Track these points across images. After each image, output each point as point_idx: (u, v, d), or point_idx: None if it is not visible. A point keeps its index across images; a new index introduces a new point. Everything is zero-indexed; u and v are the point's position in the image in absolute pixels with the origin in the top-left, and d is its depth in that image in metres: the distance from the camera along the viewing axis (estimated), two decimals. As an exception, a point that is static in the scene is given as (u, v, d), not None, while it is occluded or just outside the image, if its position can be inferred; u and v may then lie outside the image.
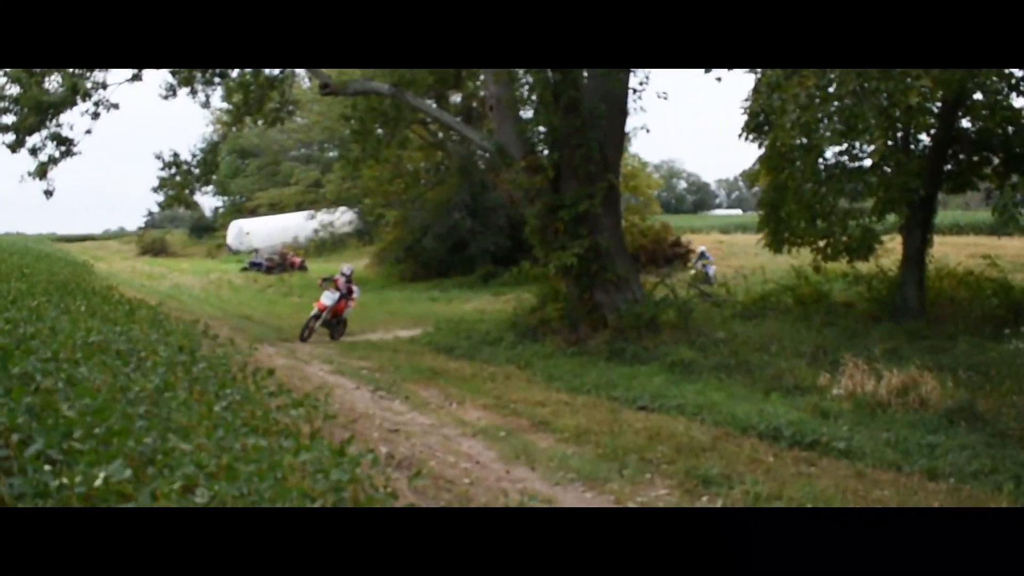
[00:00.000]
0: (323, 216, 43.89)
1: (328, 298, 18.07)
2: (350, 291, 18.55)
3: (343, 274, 18.75)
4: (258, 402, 5.87)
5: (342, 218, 45.35)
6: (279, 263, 39.43)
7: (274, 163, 59.22)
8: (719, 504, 7.48)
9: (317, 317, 18.12)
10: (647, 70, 17.17)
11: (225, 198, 63.47)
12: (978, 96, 16.24)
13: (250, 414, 5.49)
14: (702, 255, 27.16)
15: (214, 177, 23.33)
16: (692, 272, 25.82)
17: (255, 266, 39.41)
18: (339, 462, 4.19)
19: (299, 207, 49.71)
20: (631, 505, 7.42)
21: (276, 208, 53.66)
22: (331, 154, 53.65)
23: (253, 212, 55.61)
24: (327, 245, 47.60)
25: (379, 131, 20.57)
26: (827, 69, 12.29)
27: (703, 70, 13.68)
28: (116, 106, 18.54)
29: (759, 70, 16.08)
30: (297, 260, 39.97)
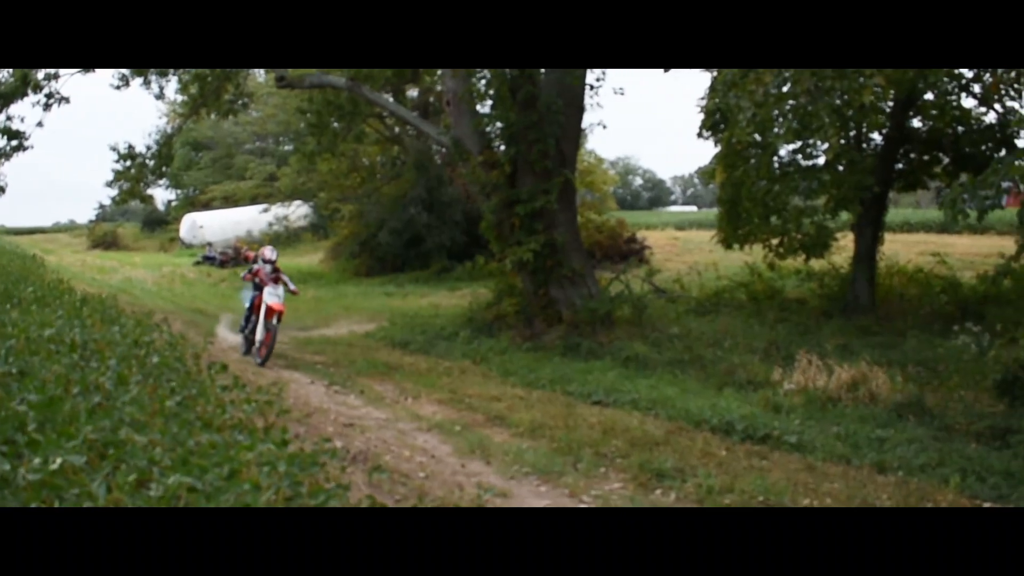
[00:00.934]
0: (278, 210, 43.48)
1: (274, 296, 14.09)
2: (277, 280, 14.44)
3: (267, 260, 14.58)
4: (212, 397, 5.84)
5: (297, 212, 45.00)
6: (233, 257, 39.14)
7: (228, 156, 58.73)
8: (672, 498, 7.56)
9: (254, 328, 14.32)
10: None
11: (178, 191, 62.85)
12: (929, 96, 16.52)
13: (204, 409, 5.46)
14: None
15: (168, 170, 23.02)
16: None
17: (208, 260, 39.09)
18: (294, 456, 4.19)
19: (254, 201, 49.26)
20: (586, 499, 7.47)
21: (230, 201, 53.17)
22: (286, 147, 53.32)
23: (207, 205, 55.07)
24: (282, 239, 47.17)
25: (335, 125, 20.50)
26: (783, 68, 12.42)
27: (662, 69, 13.74)
28: (67, 100, 18.29)
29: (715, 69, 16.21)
30: (251, 254, 39.63)
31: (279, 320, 14.14)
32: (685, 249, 31.60)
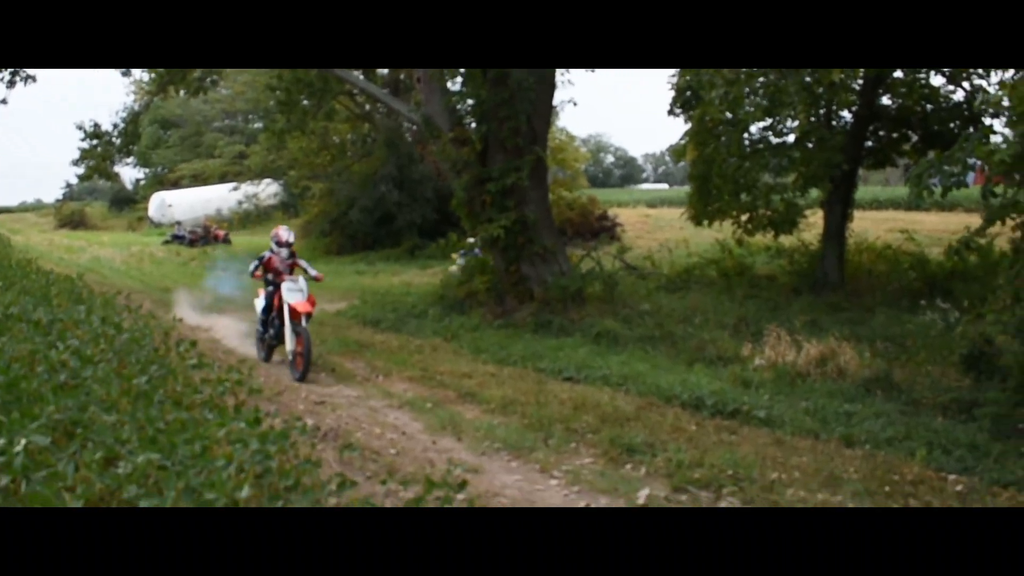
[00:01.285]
0: (247, 188, 43.21)
1: (296, 291, 11.78)
2: (294, 267, 12.43)
3: (282, 244, 12.36)
4: (181, 375, 5.81)
5: (267, 190, 44.75)
6: (202, 236, 38.86)
7: (197, 134, 58.23)
8: (642, 472, 7.61)
9: (278, 334, 12.10)
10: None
11: (146, 170, 62.28)
12: (898, 74, 16.60)
13: (173, 387, 5.44)
14: None
15: (135, 148, 22.76)
16: None
17: (177, 239, 38.79)
18: (265, 434, 4.18)
19: (223, 179, 48.98)
20: (557, 474, 7.51)
21: (199, 180, 52.81)
22: (256, 125, 52.98)
23: (175, 184, 54.66)
24: (251, 217, 46.97)
25: (305, 102, 20.33)
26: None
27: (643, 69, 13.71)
28: (33, 79, 18.03)
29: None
30: (221, 233, 39.43)
31: (308, 320, 11.69)
32: (656, 226, 31.68)
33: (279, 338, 12.07)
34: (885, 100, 17.53)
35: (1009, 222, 9.69)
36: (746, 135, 17.25)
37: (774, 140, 17.62)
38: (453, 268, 21.50)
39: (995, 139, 9.21)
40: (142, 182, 62.52)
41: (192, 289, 20.75)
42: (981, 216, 9.86)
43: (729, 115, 16.60)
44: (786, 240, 17.85)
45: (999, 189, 9.40)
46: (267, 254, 12.30)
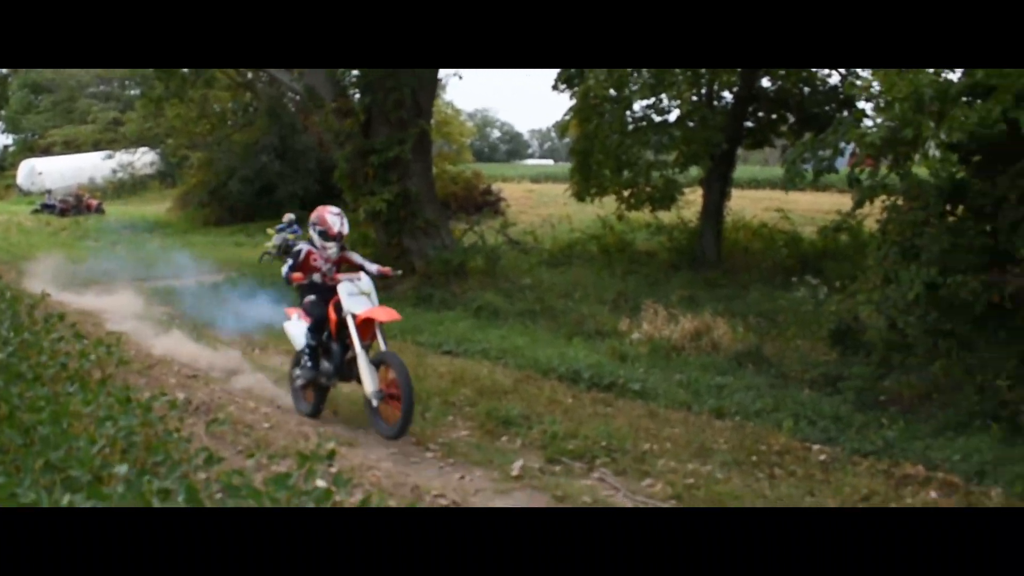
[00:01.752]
0: (122, 156, 41.72)
1: (361, 296, 8.13)
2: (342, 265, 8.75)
3: (333, 236, 8.38)
4: (46, 348, 5.62)
5: (143, 159, 43.30)
6: (74, 205, 37.42)
7: (70, 99, 56.02)
8: (517, 444, 7.67)
9: (331, 367, 8.32)
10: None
11: (16, 135, 59.72)
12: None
13: (36, 361, 5.25)
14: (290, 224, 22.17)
15: (3, 112, 21.77)
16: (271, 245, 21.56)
17: (48, 208, 37.28)
18: (128, 408, 4.06)
19: (96, 147, 47.22)
20: (433, 447, 7.51)
21: (71, 147, 50.83)
22: (132, 92, 51.24)
23: (46, 151, 52.49)
24: (127, 187, 45.52)
25: (184, 69, 19.73)
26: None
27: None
28: None
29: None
30: (94, 202, 38.02)
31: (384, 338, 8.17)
32: (540, 202, 31.78)
33: (345, 374, 8.29)
34: (765, 82, 17.93)
35: (879, 203, 10.00)
36: (629, 112, 17.44)
37: (657, 118, 17.83)
38: (269, 244, 21.12)
39: (867, 123, 9.48)
40: (10, 148, 59.94)
41: (66, 261, 19.96)
42: (852, 197, 10.17)
43: (613, 92, 16.75)
44: (666, 217, 18.14)
45: (864, 175, 9.71)
46: (303, 247, 8.54)
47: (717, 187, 17.61)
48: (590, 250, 18.75)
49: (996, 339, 8.69)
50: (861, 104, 15.50)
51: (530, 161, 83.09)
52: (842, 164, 11.55)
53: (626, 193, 17.43)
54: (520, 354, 10.78)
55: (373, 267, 8.54)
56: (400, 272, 9.39)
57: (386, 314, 8.02)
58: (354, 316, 7.98)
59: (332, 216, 8.38)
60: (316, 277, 8.28)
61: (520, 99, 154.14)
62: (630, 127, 17.41)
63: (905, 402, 8.83)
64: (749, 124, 18.45)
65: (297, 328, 8.65)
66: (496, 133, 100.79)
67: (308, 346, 8.38)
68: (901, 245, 9.13)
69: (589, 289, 14.48)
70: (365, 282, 8.19)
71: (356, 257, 8.73)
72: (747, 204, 21.48)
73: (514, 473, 6.89)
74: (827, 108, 16.86)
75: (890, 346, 9.58)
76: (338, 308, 8.15)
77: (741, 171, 26.01)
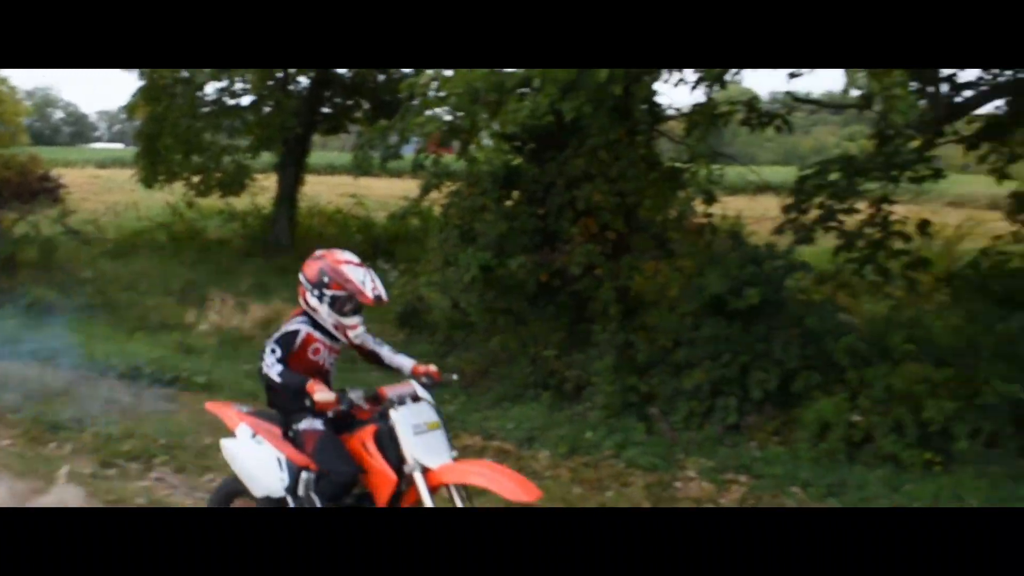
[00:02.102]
0: None
1: (430, 436, 4.48)
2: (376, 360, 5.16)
3: (372, 296, 4.70)
4: None
5: None
6: None
7: None
8: (67, 449, 7.18)
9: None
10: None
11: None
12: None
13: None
14: None
15: None
16: None
17: None
18: None
19: None
20: None
21: None
22: None
23: None
24: None
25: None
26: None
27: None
28: None
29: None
30: None
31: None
32: (106, 188, 30.02)
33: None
34: (340, 68, 18.01)
35: (445, 188, 10.42)
36: (200, 95, 16.87)
37: (230, 102, 17.38)
38: None
39: (438, 111, 9.80)
40: None
41: None
42: (418, 185, 10.57)
43: (185, 73, 16.12)
44: (240, 204, 17.79)
45: (428, 161, 10.09)
46: (301, 329, 4.89)
47: (291, 172, 17.55)
48: (158, 239, 17.92)
49: (546, 314, 9.41)
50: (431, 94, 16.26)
51: (97, 145, 78.13)
52: (410, 151, 11.87)
53: (196, 179, 16.83)
54: (75, 352, 10.08)
55: (408, 362, 5.07)
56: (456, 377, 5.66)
57: (510, 486, 4.20)
58: (425, 471, 4.41)
59: (355, 269, 4.82)
60: (341, 403, 4.53)
61: (87, 77, 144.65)
62: (203, 110, 16.84)
63: (467, 377, 9.26)
64: (325, 110, 18.51)
65: (262, 462, 4.80)
66: (59, 114, 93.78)
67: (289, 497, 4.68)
68: (461, 229, 9.59)
69: (155, 280, 13.86)
70: (426, 405, 4.64)
71: (375, 344, 5.14)
72: (324, 190, 21.54)
73: (61, 481, 6.40)
74: (400, 96, 17.22)
75: (453, 325, 10.07)
76: (387, 451, 4.50)
77: (318, 157, 26.03)
